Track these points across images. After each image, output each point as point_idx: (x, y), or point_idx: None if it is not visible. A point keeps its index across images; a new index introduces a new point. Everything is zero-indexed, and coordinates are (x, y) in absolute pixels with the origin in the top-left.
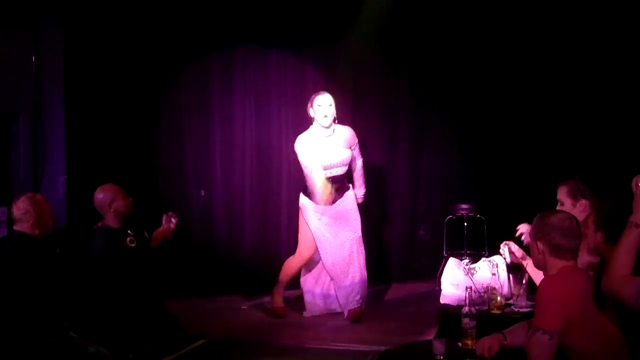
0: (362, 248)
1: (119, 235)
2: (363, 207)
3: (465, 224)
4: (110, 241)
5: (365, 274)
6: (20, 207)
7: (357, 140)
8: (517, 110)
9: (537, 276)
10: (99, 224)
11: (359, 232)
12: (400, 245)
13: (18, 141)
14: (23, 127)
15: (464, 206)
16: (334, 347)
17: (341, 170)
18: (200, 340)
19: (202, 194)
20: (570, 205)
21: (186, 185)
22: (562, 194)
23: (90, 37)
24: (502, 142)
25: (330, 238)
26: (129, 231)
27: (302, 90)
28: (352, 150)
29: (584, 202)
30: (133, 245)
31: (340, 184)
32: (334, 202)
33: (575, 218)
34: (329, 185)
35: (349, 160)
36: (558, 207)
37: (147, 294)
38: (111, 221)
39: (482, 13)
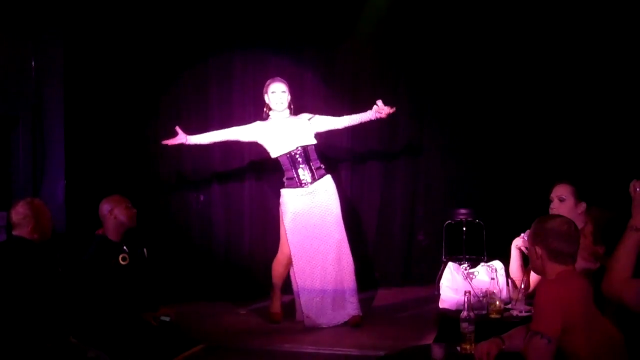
0: (346, 255)
1: (112, 252)
2: (362, 212)
3: (464, 228)
4: (100, 257)
5: (352, 281)
6: (19, 212)
7: (316, 116)
8: (515, 114)
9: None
10: (100, 231)
11: (339, 237)
12: (399, 250)
13: (17, 146)
14: (23, 132)
15: (463, 211)
16: (333, 352)
17: (300, 141)
18: (199, 345)
19: (202, 198)
20: (572, 204)
21: (185, 190)
22: (567, 191)
23: (90, 42)
24: (500, 147)
25: (303, 233)
26: (124, 247)
27: (301, 93)
28: (310, 121)
29: (584, 204)
30: (125, 263)
31: (307, 163)
32: (302, 185)
33: (574, 223)
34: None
35: (309, 133)
36: (556, 204)
37: (139, 307)
38: (110, 231)
39: (481, 18)
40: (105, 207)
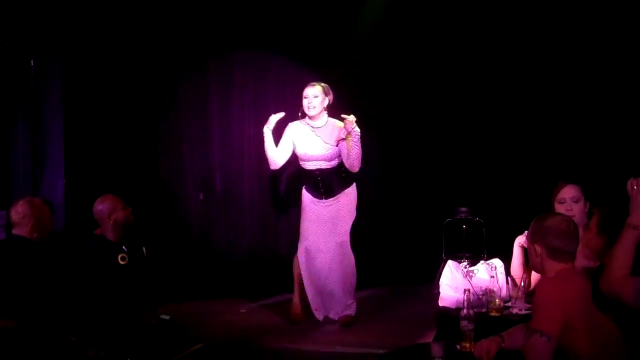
0: (348, 255)
1: (111, 252)
2: (362, 210)
3: (464, 226)
4: (99, 257)
5: (350, 282)
6: (19, 211)
7: (345, 136)
8: (515, 113)
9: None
10: (98, 230)
11: (343, 238)
12: (398, 248)
13: (17, 145)
14: (22, 131)
15: (463, 209)
16: (333, 350)
17: (325, 164)
18: (199, 344)
19: (201, 197)
20: (584, 203)
21: (185, 188)
22: (578, 192)
23: (90, 41)
24: (500, 145)
25: (315, 238)
26: (123, 247)
27: (300, 95)
28: (338, 146)
29: (588, 202)
30: (124, 262)
31: (330, 182)
32: (324, 198)
33: (573, 220)
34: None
35: (332, 156)
36: (570, 206)
37: (138, 306)
38: (109, 232)
39: (478, 18)
40: (102, 210)
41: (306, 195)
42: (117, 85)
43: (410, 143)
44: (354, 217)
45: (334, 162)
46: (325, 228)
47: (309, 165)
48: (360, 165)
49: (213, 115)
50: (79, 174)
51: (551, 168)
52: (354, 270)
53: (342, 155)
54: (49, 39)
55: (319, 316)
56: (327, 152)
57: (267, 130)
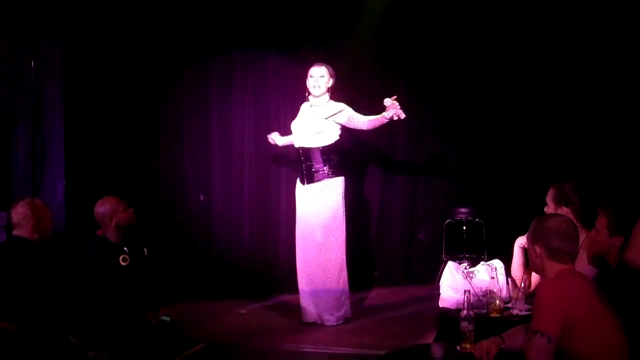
0: (333, 258)
1: (112, 253)
2: (362, 211)
3: (464, 227)
4: (101, 258)
5: (334, 287)
6: (19, 212)
7: (347, 110)
8: (516, 114)
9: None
10: (100, 231)
11: (324, 238)
12: (399, 249)
13: (17, 146)
14: (22, 132)
15: (463, 210)
16: (333, 351)
17: (314, 143)
18: (199, 345)
19: (202, 198)
20: (553, 209)
21: (185, 189)
22: (549, 197)
23: (90, 42)
24: (501, 146)
25: (301, 225)
26: (125, 248)
27: (301, 94)
28: (335, 116)
29: (565, 209)
30: (125, 263)
31: (311, 161)
32: (306, 182)
33: (572, 221)
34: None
35: (324, 133)
36: (545, 208)
37: (139, 307)
38: (110, 234)
39: (481, 18)
40: (103, 213)
41: (297, 184)
42: (117, 85)
43: (411, 143)
44: (340, 216)
45: (318, 142)
46: (306, 224)
47: (298, 142)
48: (368, 130)
49: (213, 115)
50: (80, 175)
51: (551, 169)
52: (338, 277)
53: (365, 120)
54: (50, 40)
55: (306, 318)
56: (320, 128)
57: (278, 139)
